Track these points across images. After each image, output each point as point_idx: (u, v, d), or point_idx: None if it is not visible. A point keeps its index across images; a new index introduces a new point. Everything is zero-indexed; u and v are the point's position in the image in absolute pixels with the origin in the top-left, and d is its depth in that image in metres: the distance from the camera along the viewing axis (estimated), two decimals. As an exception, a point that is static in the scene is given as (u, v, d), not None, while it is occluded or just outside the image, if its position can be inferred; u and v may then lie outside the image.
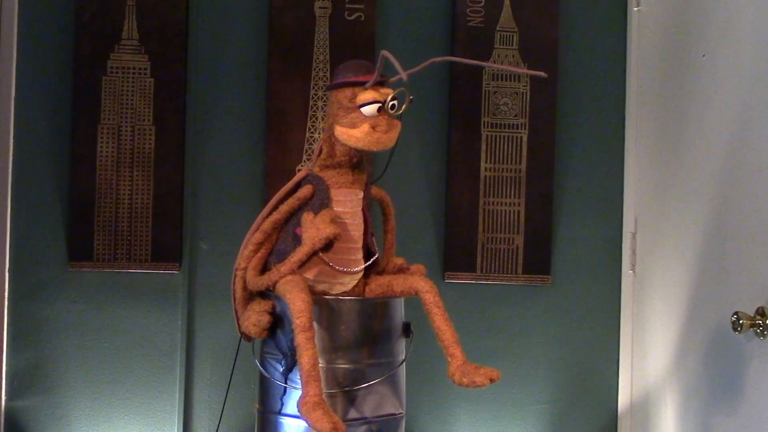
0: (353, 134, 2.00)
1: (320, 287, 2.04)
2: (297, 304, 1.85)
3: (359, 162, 2.08)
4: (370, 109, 1.99)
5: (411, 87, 2.91)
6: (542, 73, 2.08)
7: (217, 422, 2.77)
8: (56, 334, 2.88)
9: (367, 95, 1.99)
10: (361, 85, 1.99)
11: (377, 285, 2.08)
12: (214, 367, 2.91)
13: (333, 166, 2.06)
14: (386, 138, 2.01)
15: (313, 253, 1.99)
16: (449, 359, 1.97)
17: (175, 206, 2.86)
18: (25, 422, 2.87)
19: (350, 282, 2.05)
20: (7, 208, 2.84)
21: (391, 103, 1.99)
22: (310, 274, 2.02)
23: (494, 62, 2.91)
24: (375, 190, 2.20)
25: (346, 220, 2.05)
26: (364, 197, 2.09)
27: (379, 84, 2.01)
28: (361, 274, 2.07)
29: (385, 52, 1.92)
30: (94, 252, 2.84)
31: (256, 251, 2.06)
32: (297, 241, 2.02)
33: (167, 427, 2.89)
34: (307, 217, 2.02)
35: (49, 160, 2.88)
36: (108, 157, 2.84)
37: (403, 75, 1.93)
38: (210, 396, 2.91)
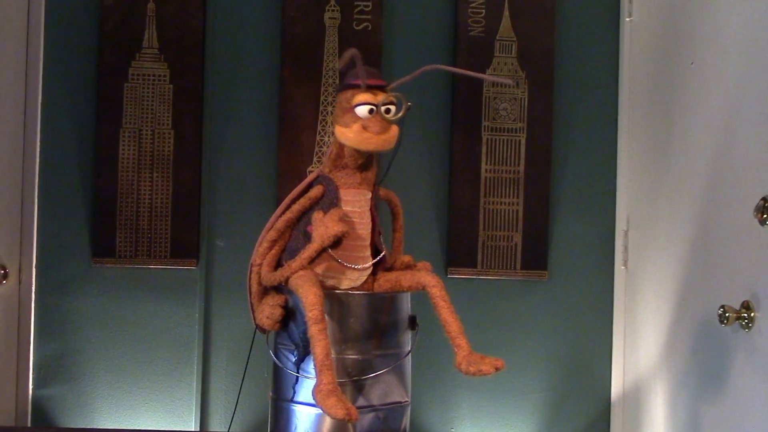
0: (345, 133, 2.00)
1: (330, 282, 2.04)
2: (309, 298, 1.85)
3: (366, 164, 2.07)
4: (362, 110, 1.98)
5: (416, 93, 2.94)
6: (509, 81, 2.10)
7: (233, 410, 2.79)
8: (80, 326, 2.89)
9: (361, 97, 1.99)
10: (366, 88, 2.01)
11: (385, 280, 2.08)
12: (230, 357, 2.93)
13: (341, 168, 2.06)
14: (377, 139, 1.99)
15: (323, 250, 2.00)
16: (456, 350, 1.95)
17: (193, 205, 2.88)
18: (51, 410, 2.89)
19: (359, 278, 2.05)
20: (34, 208, 2.87)
21: (385, 107, 1.99)
22: (319, 269, 2.02)
23: (494, 70, 2.92)
24: (383, 192, 2.20)
25: (354, 219, 2.05)
26: (371, 197, 2.09)
27: (378, 88, 2.01)
28: (369, 271, 2.06)
29: (353, 51, 1.94)
30: (116, 249, 2.85)
31: (270, 248, 2.07)
32: (308, 238, 2.02)
33: (185, 415, 2.91)
34: (317, 216, 2.03)
35: (74, 162, 2.89)
36: (129, 159, 2.85)
37: (363, 81, 1.98)
38: (226, 385, 2.92)
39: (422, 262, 2.20)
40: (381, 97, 1.99)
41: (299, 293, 1.89)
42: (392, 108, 2.00)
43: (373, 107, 1.98)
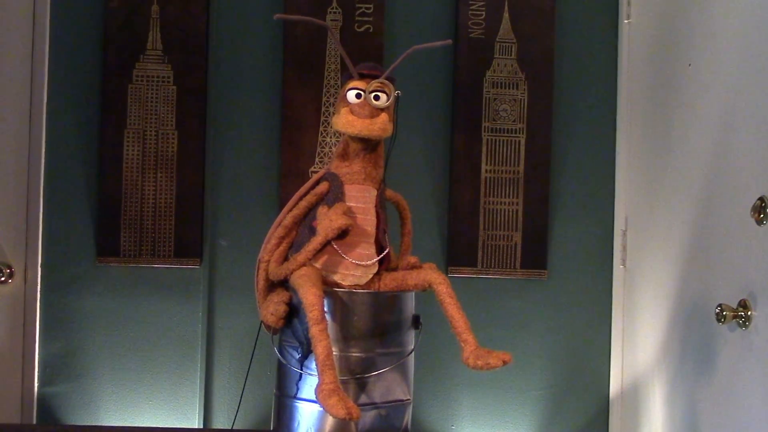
0: (335, 119, 2.06)
1: (333, 277, 2.04)
2: (309, 299, 1.86)
3: (368, 160, 2.08)
4: (351, 95, 2.02)
5: (418, 96, 2.96)
6: (449, 41, 2.15)
7: (236, 407, 2.80)
8: (85, 324, 2.90)
9: (352, 83, 2.03)
10: (359, 77, 2.04)
11: (391, 279, 2.08)
12: (233, 355, 2.94)
13: (347, 164, 2.08)
14: (361, 123, 2.02)
15: (327, 243, 2.00)
16: (463, 345, 1.94)
17: (196, 205, 2.89)
18: (56, 407, 2.90)
19: (363, 276, 2.05)
20: (40, 207, 2.87)
21: (373, 93, 2.02)
22: (320, 262, 2.03)
23: (494, 71, 2.93)
24: (391, 193, 2.20)
25: (358, 215, 2.06)
26: (377, 195, 2.10)
27: (371, 77, 2.04)
28: (375, 269, 2.06)
29: (326, 24, 1.98)
30: (120, 248, 2.86)
31: (278, 245, 2.08)
32: (313, 233, 2.02)
33: (189, 412, 2.92)
34: (321, 210, 2.04)
35: (79, 162, 2.90)
36: (134, 159, 2.86)
37: (353, 70, 2.04)
38: (229, 382, 2.93)
39: (428, 263, 2.19)
40: (370, 84, 2.02)
41: (299, 294, 1.90)
42: (381, 95, 2.02)
43: (361, 92, 2.01)
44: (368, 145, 2.06)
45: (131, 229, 2.86)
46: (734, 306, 2.13)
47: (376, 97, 2.02)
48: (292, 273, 1.98)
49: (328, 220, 1.98)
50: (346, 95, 2.04)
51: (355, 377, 1.97)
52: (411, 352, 2.08)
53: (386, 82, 2.03)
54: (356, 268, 2.04)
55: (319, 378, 1.80)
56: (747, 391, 2.11)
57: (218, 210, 2.95)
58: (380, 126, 2.03)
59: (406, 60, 2.08)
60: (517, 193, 2.96)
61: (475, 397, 2.99)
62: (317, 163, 2.88)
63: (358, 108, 2.02)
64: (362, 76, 2.05)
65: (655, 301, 2.72)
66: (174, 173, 2.87)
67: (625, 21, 3.01)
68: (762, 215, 2.02)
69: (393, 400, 2.03)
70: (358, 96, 2.02)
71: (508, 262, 2.96)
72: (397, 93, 2.05)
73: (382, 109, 2.03)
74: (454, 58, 2.96)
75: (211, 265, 2.93)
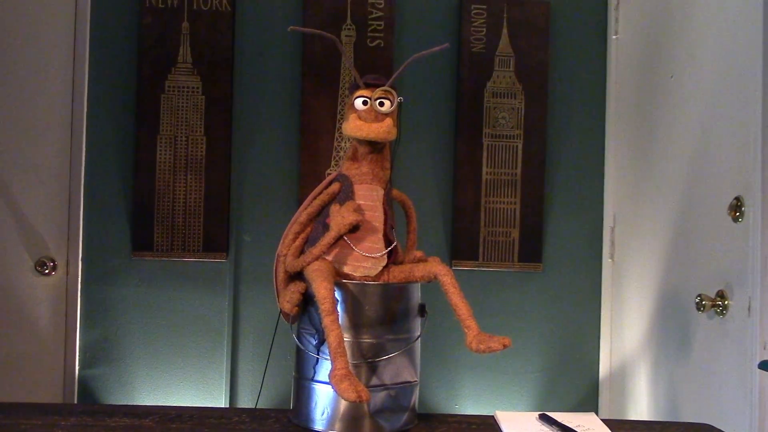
0: (345, 125, 2.05)
1: (345, 269, 2.04)
2: (321, 292, 1.86)
3: (376, 161, 2.09)
4: (358, 102, 2.03)
5: (424, 105, 2.96)
6: (446, 45, 2.15)
7: (259, 388, 2.81)
8: (122, 313, 2.92)
9: (359, 92, 2.04)
10: (366, 86, 2.04)
11: (399, 271, 2.08)
12: (256, 341, 2.95)
13: (356, 166, 2.09)
14: (367, 128, 2.02)
15: (339, 237, 2.01)
16: (466, 330, 1.94)
17: (223, 204, 2.91)
18: (95, 388, 2.92)
19: (373, 268, 2.05)
20: (80, 206, 2.90)
21: (378, 100, 2.02)
22: (331, 255, 2.03)
23: (494, 83, 2.94)
24: (397, 193, 2.20)
25: (367, 212, 2.06)
26: (384, 194, 2.10)
27: (377, 86, 2.05)
28: (383, 262, 2.07)
29: (335, 38, 1.99)
30: (154, 243, 2.88)
31: (294, 239, 2.08)
32: (327, 229, 2.03)
33: (216, 393, 2.94)
34: (334, 208, 2.04)
35: (116, 165, 2.92)
36: (166, 162, 2.88)
37: (359, 79, 2.03)
38: (253, 366, 2.94)
39: (432, 257, 2.20)
40: (375, 92, 2.03)
41: (312, 287, 1.90)
42: (386, 102, 2.03)
43: (367, 99, 2.01)
44: (375, 148, 2.07)
45: (163, 226, 2.88)
46: (712, 296, 2.14)
47: (381, 104, 2.02)
48: (307, 265, 1.98)
49: (340, 217, 1.99)
50: (353, 103, 2.04)
51: (366, 361, 1.97)
52: (418, 338, 2.08)
53: (390, 89, 2.04)
54: (366, 260, 2.04)
55: (332, 364, 1.80)
56: (723, 373, 2.12)
57: (243, 208, 2.96)
58: (386, 130, 2.04)
59: (414, 72, 2.08)
60: (515, 193, 2.96)
61: (476, 378, 3.00)
62: (332, 166, 2.89)
63: (364, 114, 2.02)
64: (368, 85, 2.06)
65: (640, 291, 2.72)
66: (202, 175, 2.89)
67: (613, 37, 3.02)
68: (738, 213, 2.03)
69: (401, 381, 2.03)
70: (364, 103, 2.02)
71: (507, 256, 2.97)
72: (400, 99, 2.06)
73: (386, 114, 2.04)
74: (457, 71, 2.97)
75: (237, 258, 2.95)
